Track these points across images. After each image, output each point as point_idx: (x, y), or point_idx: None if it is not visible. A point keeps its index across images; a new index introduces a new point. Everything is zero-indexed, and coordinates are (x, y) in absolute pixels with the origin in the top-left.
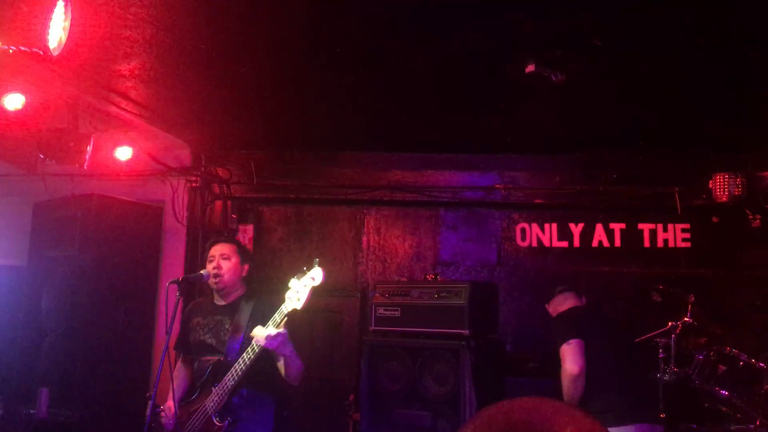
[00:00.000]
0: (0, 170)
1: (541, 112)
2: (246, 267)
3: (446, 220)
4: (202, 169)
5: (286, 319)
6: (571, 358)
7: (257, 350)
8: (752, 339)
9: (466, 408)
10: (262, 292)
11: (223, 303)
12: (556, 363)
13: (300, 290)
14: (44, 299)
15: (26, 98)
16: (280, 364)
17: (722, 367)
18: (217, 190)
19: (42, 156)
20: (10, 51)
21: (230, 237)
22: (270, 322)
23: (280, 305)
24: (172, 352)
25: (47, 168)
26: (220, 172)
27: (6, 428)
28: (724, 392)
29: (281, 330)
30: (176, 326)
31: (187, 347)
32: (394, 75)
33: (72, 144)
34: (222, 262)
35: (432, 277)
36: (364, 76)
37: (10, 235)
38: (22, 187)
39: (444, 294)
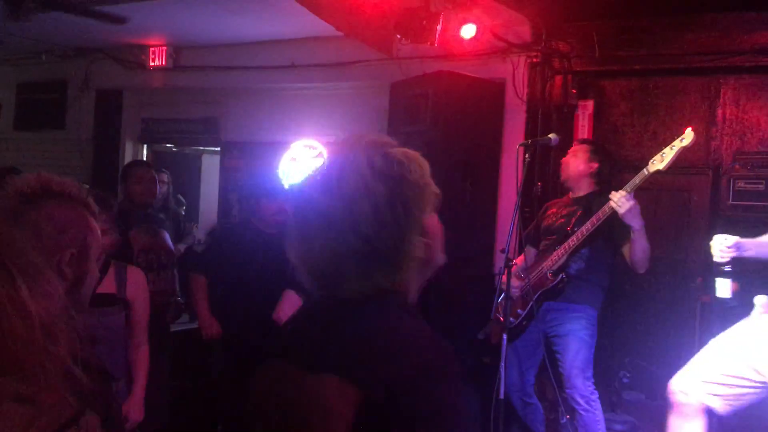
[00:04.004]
0: (361, 56)
1: None
2: (595, 165)
3: None
4: (542, 44)
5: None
6: None
7: (607, 212)
8: None
9: None
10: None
11: (576, 195)
12: None
13: (666, 152)
14: None
15: None
16: (626, 249)
17: None
18: (557, 65)
19: (398, 36)
20: None
21: (585, 141)
22: (627, 186)
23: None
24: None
25: (400, 50)
26: (561, 46)
27: None
28: None
29: (631, 200)
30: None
31: (537, 236)
32: None
33: (424, 22)
34: (571, 158)
35: None
36: None
37: (371, 115)
38: (378, 71)
39: None
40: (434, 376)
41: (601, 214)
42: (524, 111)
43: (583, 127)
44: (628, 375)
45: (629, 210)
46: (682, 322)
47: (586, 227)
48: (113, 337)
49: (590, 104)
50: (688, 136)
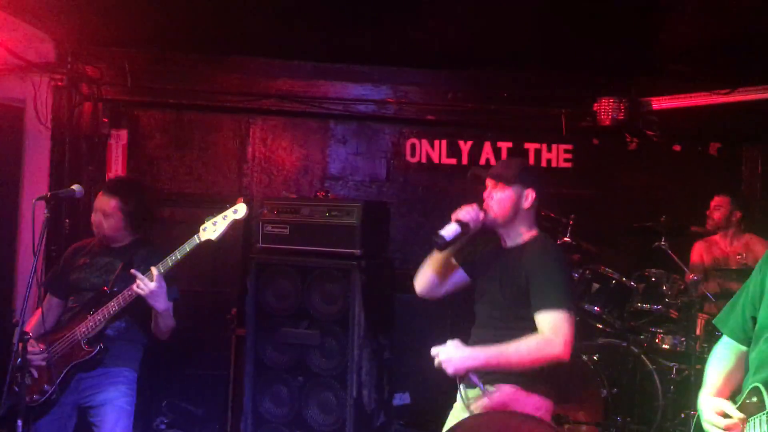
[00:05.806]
0: None
1: (436, 28)
2: (132, 221)
3: (336, 133)
4: (69, 66)
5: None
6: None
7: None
8: (625, 259)
9: (355, 327)
10: (157, 242)
11: (114, 246)
12: None
13: (218, 222)
14: None
15: None
16: (154, 314)
17: (596, 285)
18: (86, 90)
19: None
20: None
21: (116, 188)
22: (168, 258)
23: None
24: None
25: None
26: (90, 70)
27: None
28: (597, 308)
29: (159, 282)
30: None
31: (65, 286)
32: None
33: None
34: (103, 218)
35: (322, 195)
36: None
37: None
38: None
39: (335, 212)
40: None
41: (133, 291)
42: (49, 138)
43: (117, 158)
44: (166, 420)
45: (152, 293)
46: (217, 354)
47: (129, 293)
48: None
49: (124, 134)
50: (241, 209)
